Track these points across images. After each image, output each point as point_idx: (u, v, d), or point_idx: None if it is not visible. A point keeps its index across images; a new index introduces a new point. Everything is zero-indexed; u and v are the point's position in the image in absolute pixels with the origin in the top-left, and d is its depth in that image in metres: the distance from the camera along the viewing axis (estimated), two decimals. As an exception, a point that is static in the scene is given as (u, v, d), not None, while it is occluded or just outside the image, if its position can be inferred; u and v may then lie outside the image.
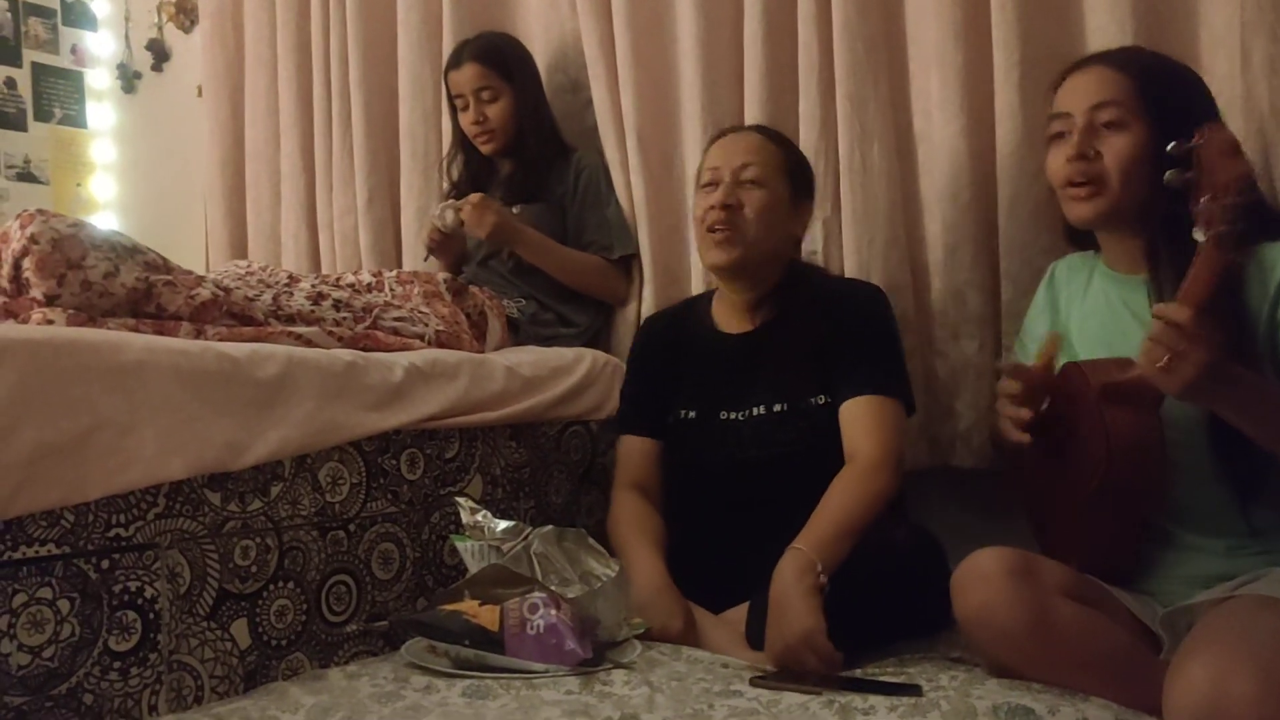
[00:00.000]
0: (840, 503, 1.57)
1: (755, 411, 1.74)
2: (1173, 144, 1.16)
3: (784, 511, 1.56)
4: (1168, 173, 1.15)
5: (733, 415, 1.76)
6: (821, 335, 1.73)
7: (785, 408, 1.72)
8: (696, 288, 2.22)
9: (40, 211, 1.49)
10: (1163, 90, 1.42)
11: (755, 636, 1.51)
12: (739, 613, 1.57)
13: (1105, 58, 1.48)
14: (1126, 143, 1.40)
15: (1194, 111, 1.40)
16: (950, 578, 1.33)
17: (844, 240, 2.02)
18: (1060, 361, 1.42)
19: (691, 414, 1.80)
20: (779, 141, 1.85)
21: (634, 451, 1.86)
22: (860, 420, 1.67)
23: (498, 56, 2.35)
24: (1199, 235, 1.14)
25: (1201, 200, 1.14)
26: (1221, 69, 1.67)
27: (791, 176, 1.82)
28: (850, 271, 1.99)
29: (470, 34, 2.46)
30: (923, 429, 1.94)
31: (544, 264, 2.28)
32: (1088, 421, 1.34)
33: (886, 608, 1.49)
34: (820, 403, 1.71)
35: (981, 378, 1.90)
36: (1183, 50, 1.70)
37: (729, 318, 1.85)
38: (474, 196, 2.24)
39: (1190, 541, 1.36)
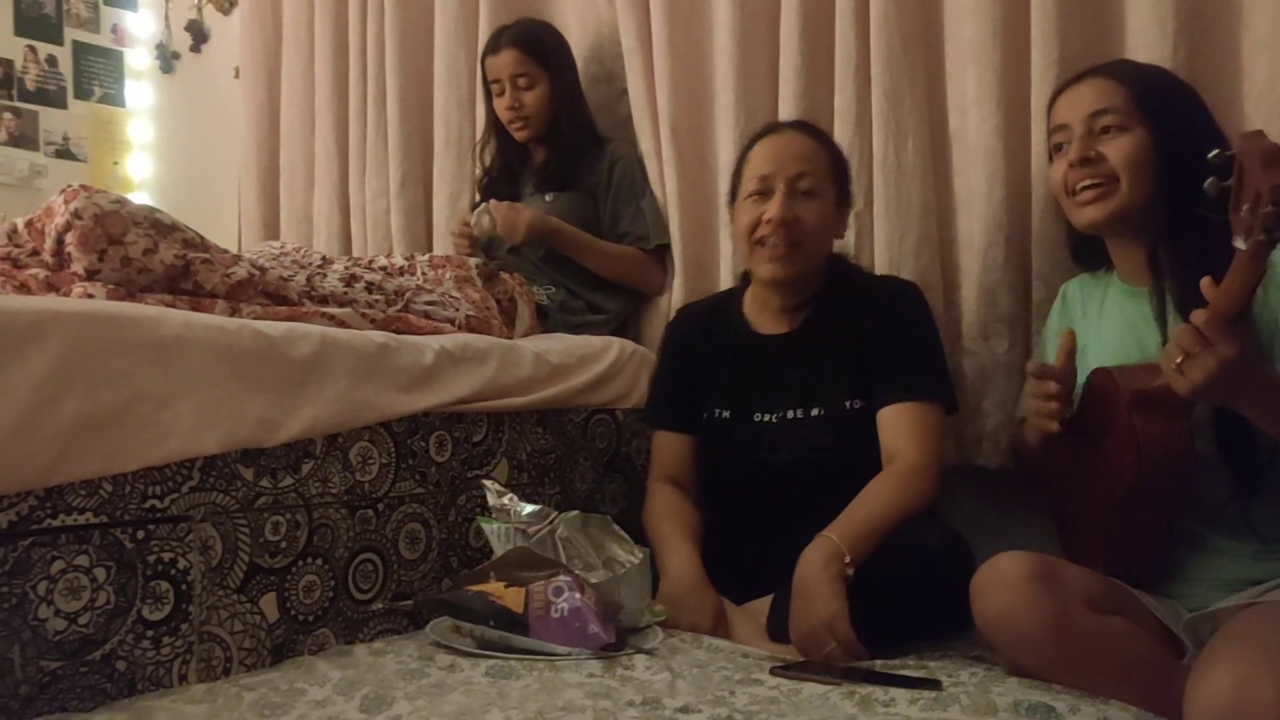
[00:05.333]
0: (876, 499, 1.57)
1: (790, 415, 1.73)
2: (1214, 152, 1.15)
3: (813, 513, 1.56)
4: (1207, 181, 1.15)
5: (767, 417, 1.75)
6: (859, 338, 1.72)
7: (821, 412, 1.72)
8: (726, 281, 2.23)
9: (84, 187, 1.52)
10: (1158, 96, 1.45)
11: (777, 629, 1.53)
12: (762, 605, 1.59)
13: (1098, 70, 1.51)
14: (1130, 142, 1.43)
15: (1190, 117, 1.44)
16: (973, 568, 1.34)
17: (875, 237, 2.02)
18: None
19: (725, 414, 1.80)
20: (825, 143, 1.81)
21: (668, 447, 1.87)
22: (900, 424, 1.66)
23: (536, 44, 2.36)
24: (1239, 244, 1.13)
25: (1242, 209, 1.13)
26: (1262, 73, 1.66)
27: (837, 180, 1.79)
28: (881, 268, 1.99)
29: (507, 21, 2.47)
30: (949, 427, 1.94)
31: (582, 258, 2.30)
32: (1118, 427, 1.34)
33: (912, 606, 1.48)
34: (855, 407, 1.70)
35: (1010, 378, 1.90)
36: (1223, 52, 1.70)
37: (764, 318, 1.84)
38: (503, 204, 2.26)
39: (1219, 545, 1.36)
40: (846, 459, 1.67)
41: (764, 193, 1.73)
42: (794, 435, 1.72)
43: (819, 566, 1.47)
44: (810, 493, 1.63)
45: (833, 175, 1.78)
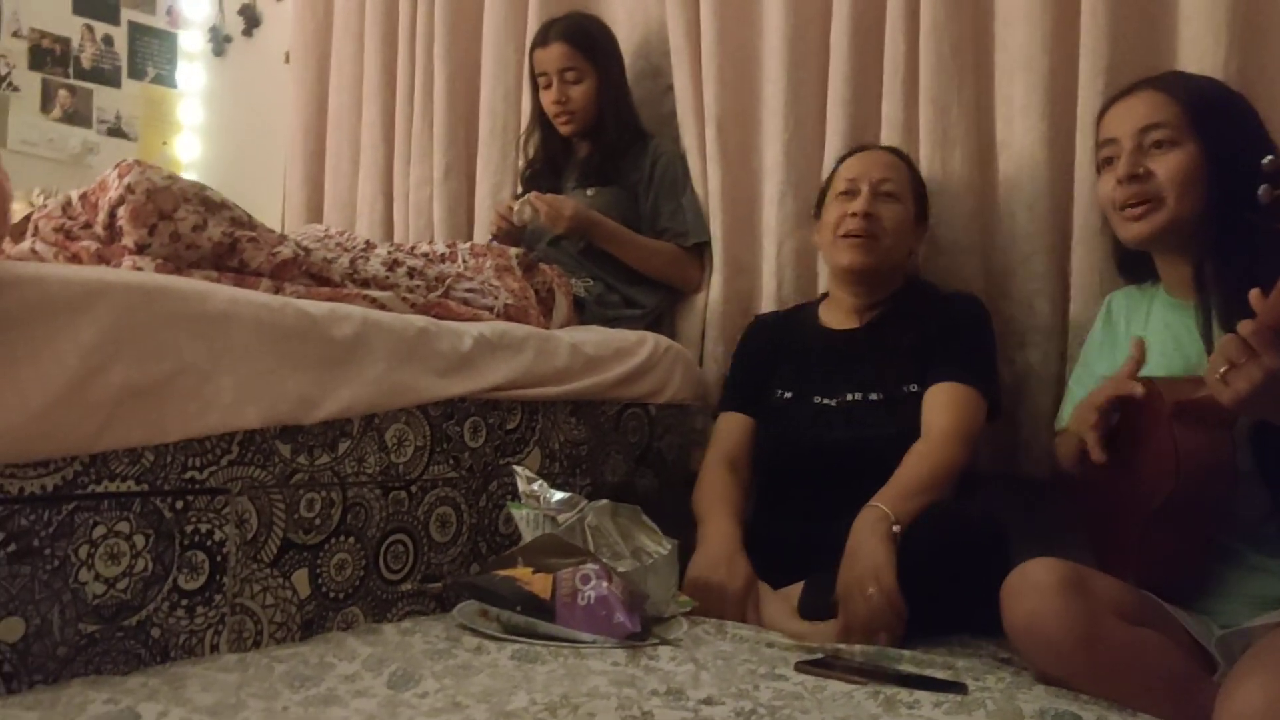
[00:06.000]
0: (912, 468, 1.66)
1: (850, 398, 1.83)
2: (1268, 159, 1.14)
3: (860, 493, 1.62)
4: (1261, 188, 1.14)
5: (826, 401, 1.85)
6: (921, 334, 1.81)
7: (879, 397, 1.81)
8: (767, 280, 2.23)
9: (138, 163, 1.54)
10: (1210, 110, 1.44)
11: (808, 606, 1.58)
12: (796, 589, 1.63)
13: (1149, 83, 1.50)
14: (1179, 158, 1.42)
15: (1243, 130, 1.42)
16: (1010, 564, 1.35)
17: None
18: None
19: (787, 395, 1.90)
20: (908, 162, 1.95)
21: (729, 426, 1.96)
22: (938, 400, 1.75)
23: (585, 38, 2.37)
24: None
25: None
26: (1317, 85, 1.64)
27: (917, 196, 1.92)
28: (925, 274, 1.99)
29: (556, 14, 2.49)
30: (983, 435, 1.93)
31: (621, 252, 2.31)
32: (1158, 438, 1.33)
33: (950, 572, 1.51)
34: (912, 391, 1.79)
35: (1044, 387, 1.89)
36: (1277, 64, 1.67)
37: (836, 316, 1.96)
38: (547, 196, 2.27)
39: (1255, 562, 1.35)
40: (898, 440, 1.72)
41: (850, 193, 1.89)
42: (851, 416, 1.81)
43: (867, 528, 1.55)
44: (859, 471, 1.66)
45: (913, 189, 1.92)
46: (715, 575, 1.63)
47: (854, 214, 1.85)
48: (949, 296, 1.90)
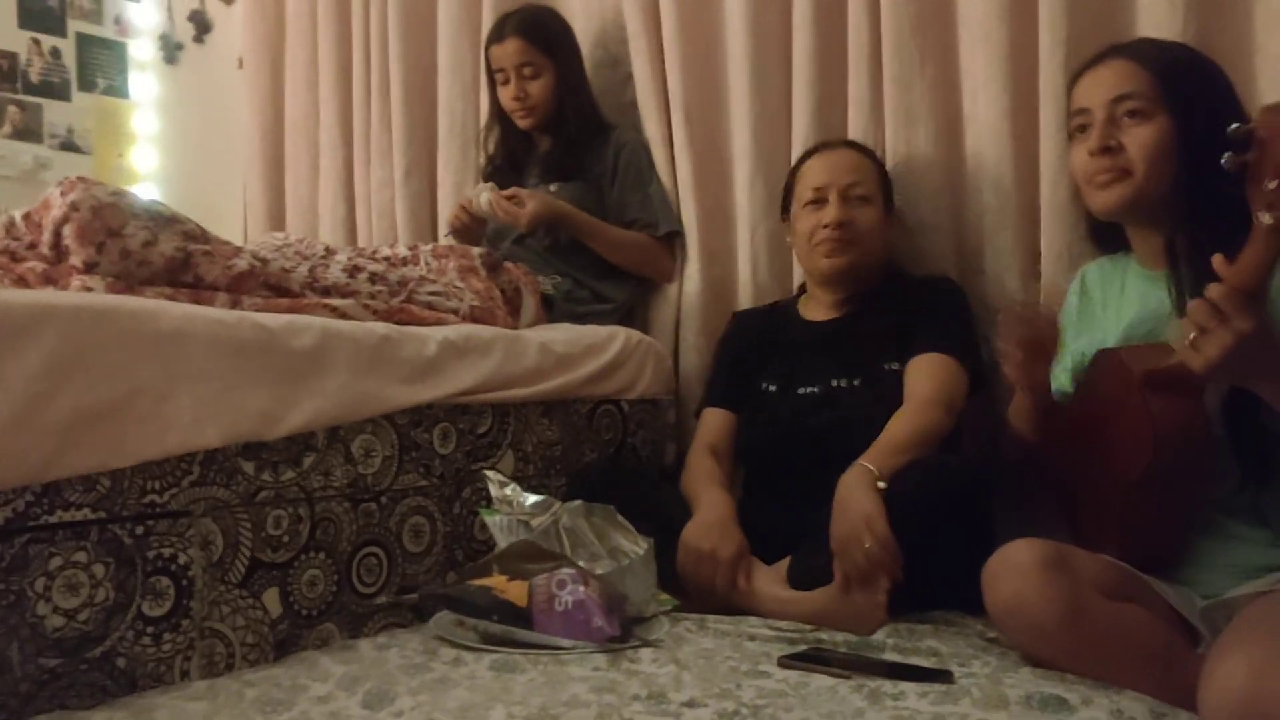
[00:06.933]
0: (894, 430, 1.67)
1: (834, 384, 1.85)
2: (1234, 126, 1.12)
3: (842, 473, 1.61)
4: (1225, 155, 1.12)
5: (810, 389, 1.88)
6: (900, 319, 1.84)
7: (860, 381, 1.84)
8: (742, 265, 2.21)
9: (81, 179, 1.50)
10: (1183, 81, 1.41)
11: (797, 575, 1.60)
12: (786, 564, 1.64)
13: (1122, 51, 1.48)
14: (1150, 131, 1.40)
15: (1216, 100, 1.40)
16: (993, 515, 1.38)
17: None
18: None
19: (772, 387, 1.93)
20: (872, 157, 1.95)
21: (712, 420, 1.99)
22: (920, 370, 1.77)
23: (541, 32, 2.33)
24: (1264, 219, 1.11)
25: (1264, 183, 1.10)
26: (1275, 49, 1.63)
27: (884, 190, 1.93)
28: (896, 257, 1.98)
29: (510, 8, 2.44)
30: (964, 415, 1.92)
31: (593, 243, 2.28)
32: (1129, 409, 1.32)
33: (936, 519, 1.51)
34: (893, 369, 1.81)
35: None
36: (1237, 28, 1.66)
37: (816, 310, 1.98)
38: (504, 198, 2.22)
39: (1234, 530, 1.33)
40: (881, 419, 1.71)
41: (819, 201, 1.89)
42: (834, 401, 1.83)
43: (852, 482, 1.56)
44: (843, 454, 1.65)
45: (880, 185, 1.92)
46: (707, 542, 1.65)
47: (827, 225, 1.87)
48: (924, 280, 1.92)
